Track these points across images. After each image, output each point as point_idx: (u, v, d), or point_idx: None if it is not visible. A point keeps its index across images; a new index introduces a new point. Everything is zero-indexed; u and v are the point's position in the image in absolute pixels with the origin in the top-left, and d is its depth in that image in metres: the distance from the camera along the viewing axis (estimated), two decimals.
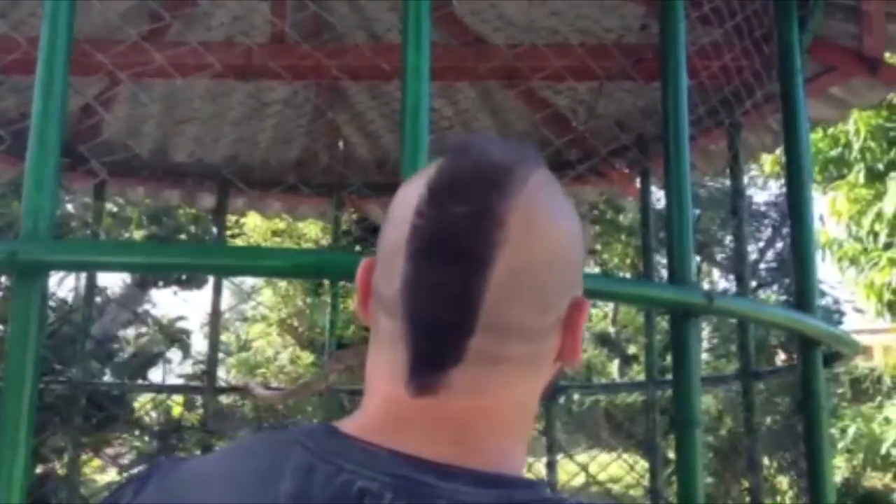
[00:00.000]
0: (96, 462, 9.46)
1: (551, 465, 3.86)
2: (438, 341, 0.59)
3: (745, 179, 14.01)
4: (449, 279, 0.58)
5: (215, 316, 4.15)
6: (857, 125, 6.67)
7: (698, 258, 14.73)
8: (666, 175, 1.92)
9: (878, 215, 6.77)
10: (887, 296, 6.40)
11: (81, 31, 2.97)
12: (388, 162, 4.22)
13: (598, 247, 11.69)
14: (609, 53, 2.37)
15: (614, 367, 12.94)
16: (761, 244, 12.94)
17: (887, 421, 6.35)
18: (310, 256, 1.61)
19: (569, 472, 4.86)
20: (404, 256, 0.59)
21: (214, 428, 8.00)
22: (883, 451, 6.23)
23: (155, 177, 4.21)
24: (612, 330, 12.83)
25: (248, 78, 3.09)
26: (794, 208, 2.33)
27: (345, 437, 0.61)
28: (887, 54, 2.99)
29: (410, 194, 0.61)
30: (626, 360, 11.82)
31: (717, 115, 2.98)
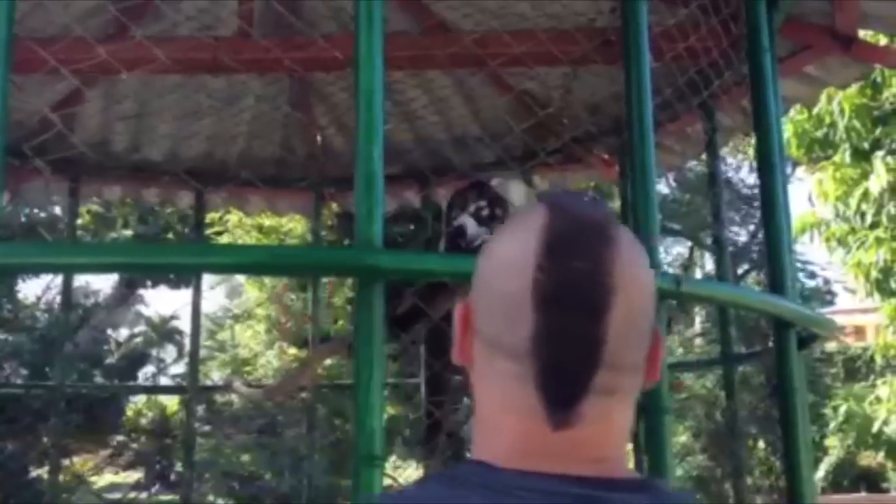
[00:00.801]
0: (89, 463, 9.45)
1: None
2: (571, 380, 0.68)
3: (735, 161, 13.93)
4: (577, 325, 0.67)
5: (196, 315, 4.12)
6: (841, 105, 6.64)
7: (689, 243, 14.72)
8: (630, 159, 1.89)
9: (865, 194, 6.75)
10: (874, 274, 6.39)
11: (43, 30, 2.96)
12: None
13: None
14: (573, 38, 2.34)
15: None
16: (752, 227, 12.94)
17: (878, 400, 6.35)
18: (259, 253, 1.58)
19: None
20: (531, 307, 0.67)
21: (203, 427, 8.00)
22: (875, 429, 6.23)
23: (131, 176, 4.17)
24: None
25: (217, 72, 3.06)
26: (765, 189, 2.31)
27: (507, 471, 0.68)
28: (861, 32, 2.96)
29: (518, 249, 0.69)
30: None
31: (690, 97, 2.96)
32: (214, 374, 10.10)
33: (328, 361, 4.84)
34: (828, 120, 6.85)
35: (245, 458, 8.35)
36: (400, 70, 3.11)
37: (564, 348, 0.67)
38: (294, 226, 8.30)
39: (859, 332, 12.28)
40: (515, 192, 2.43)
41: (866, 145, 6.80)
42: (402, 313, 2.29)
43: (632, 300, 0.69)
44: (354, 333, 1.53)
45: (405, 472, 7.01)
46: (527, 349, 0.67)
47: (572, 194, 0.86)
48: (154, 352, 15.81)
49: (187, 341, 4.36)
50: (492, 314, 0.70)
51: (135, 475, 11.68)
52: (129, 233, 10.56)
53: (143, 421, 12.01)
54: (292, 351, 8.38)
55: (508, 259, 0.70)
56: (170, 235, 9.88)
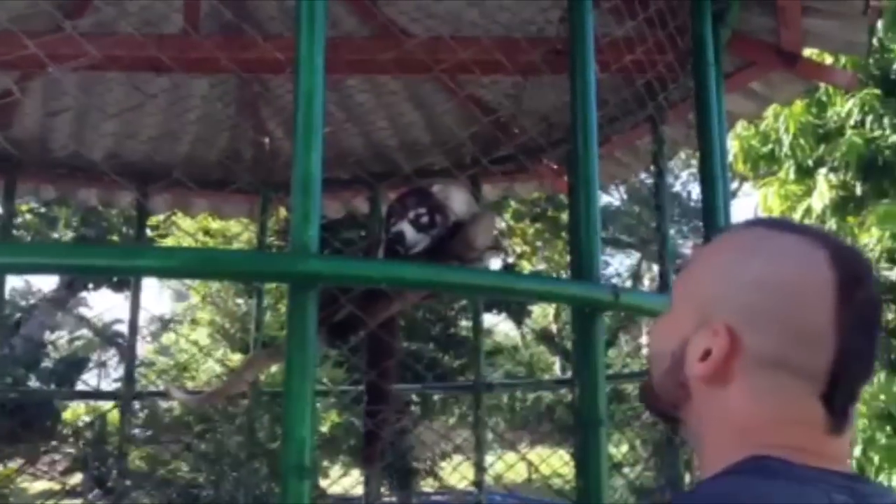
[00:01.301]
0: (22, 468, 9.15)
1: (479, 466, 3.80)
2: (850, 394, 0.79)
3: (685, 175, 14.13)
4: (868, 348, 0.79)
5: (134, 319, 4.01)
6: (786, 122, 6.78)
7: (638, 255, 14.90)
8: (573, 169, 1.88)
9: (808, 210, 6.88)
10: None
11: None
12: None
13: (539, 244, 11.73)
14: (520, 46, 2.32)
15: (557, 363, 13.01)
16: (701, 240, 13.14)
17: None
18: (188, 257, 1.53)
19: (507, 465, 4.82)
20: (834, 334, 0.76)
21: (143, 432, 7.82)
22: None
23: (69, 175, 4.05)
24: (553, 327, 12.90)
25: (160, 71, 2.98)
26: (707, 203, 2.33)
27: (800, 466, 0.75)
28: (805, 50, 3.00)
29: (810, 281, 0.78)
30: (567, 357, 11.88)
31: (638, 109, 2.97)
32: (157, 379, 9.90)
33: (273, 368, 4.76)
34: (773, 136, 6.98)
35: (183, 465, 8.18)
36: (346, 73, 3.07)
37: (857, 368, 0.78)
38: (242, 229, 8.18)
39: None
40: (457, 199, 2.40)
41: (810, 162, 6.94)
42: (339, 321, 2.24)
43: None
44: (287, 340, 1.49)
45: (349, 480, 6.93)
46: (825, 371, 0.76)
47: (795, 222, 0.95)
48: (95, 356, 15.45)
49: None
50: (781, 338, 0.77)
51: (72, 481, 11.37)
52: (71, 234, 10.30)
53: (81, 426, 11.71)
54: (236, 356, 8.25)
55: (800, 288, 0.78)
56: (114, 237, 9.67)
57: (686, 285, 0.88)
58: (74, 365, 12.61)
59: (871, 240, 6.32)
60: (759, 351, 0.78)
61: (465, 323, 10.68)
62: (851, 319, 0.77)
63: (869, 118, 6.49)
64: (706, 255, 0.90)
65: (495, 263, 2.59)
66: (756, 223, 0.88)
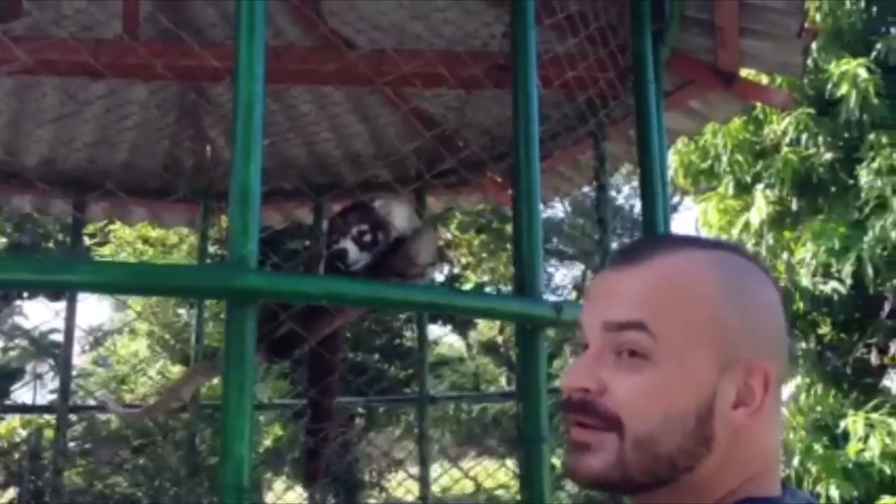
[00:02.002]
0: None
1: (424, 480, 3.79)
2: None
3: (628, 188, 14.33)
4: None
5: (69, 330, 3.89)
6: (724, 139, 6.93)
7: (582, 266, 15.06)
8: (515, 185, 1.88)
9: (746, 226, 7.05)
10: None
11: None
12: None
13: (485, 255, 11.77)
14: (463, 60, 2.33)
15: (503, 375, 13.05)
16: None
17: None
18: (120, 272, 1.49)
19: (453, 479, 4.82)
20: (786, 342, 0.83)
21: (80, 445, 7.60)
22: None
23: (3, 181, 3.92)
24: (499, 339, 12.94)
25: (96, 76, 2.91)
26: (647, 218, 2.36)
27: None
28: (742, 70, 3.07)
29: (775, 301, 0.82)
30: (512, 368, 11.94)
31: (580, 125, 3.00)
32: (95, 391, 9.64)
33: (215, 381, 4.67)
34: (712, 152, 7.13)
35: (121, 479, 7.98)
36: (289, 83, 3.04)
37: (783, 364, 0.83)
38: (182, 240, 8.03)
39: None
40: (399, 214, 2.39)
41: (748, 178, 7.11)
42: (279, 337, 2.21)
43: None
44: (224, 357, 1.46)
45: (292, 494, 6.84)
46: (785, 373, 0.81)
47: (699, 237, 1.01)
48: (30, 367, 15.00)
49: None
50: (783, 358, 0.81)
51: (6, 496, 11.00)
52: (4, 240, 9.98)
53: (17, 439, 11.36)
54: (176, 368, 8.08)
55: (777, 311, 0.82)
56: (50, 244, 9.40)
57: (681, 331, 0.75)
58: (7, 376, 12.22)
59: (806, 254, 6.49)
60: (778, 374, 0.79)
61: (410, 334, 10.65)
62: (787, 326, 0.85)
63: (804, 136, 6.68)
64: (679, 296, 0.77)
65: (439, 276, 2.58)
66: (733, 250, 0.84)
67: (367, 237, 2.29)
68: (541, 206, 1.93)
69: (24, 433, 11.53)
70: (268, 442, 8.18)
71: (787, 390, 7.01)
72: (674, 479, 0.74)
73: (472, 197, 4.36)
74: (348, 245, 2.27)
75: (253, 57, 1.56)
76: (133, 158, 4.03)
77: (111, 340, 11.58)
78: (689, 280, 0.77)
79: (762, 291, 0.81)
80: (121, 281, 1.43)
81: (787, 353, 0.83)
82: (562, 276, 15.90)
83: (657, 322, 0.74)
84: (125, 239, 7.91)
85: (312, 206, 4.22)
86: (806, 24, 2.64)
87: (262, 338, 1.51)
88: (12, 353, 14.74)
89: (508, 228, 11.16)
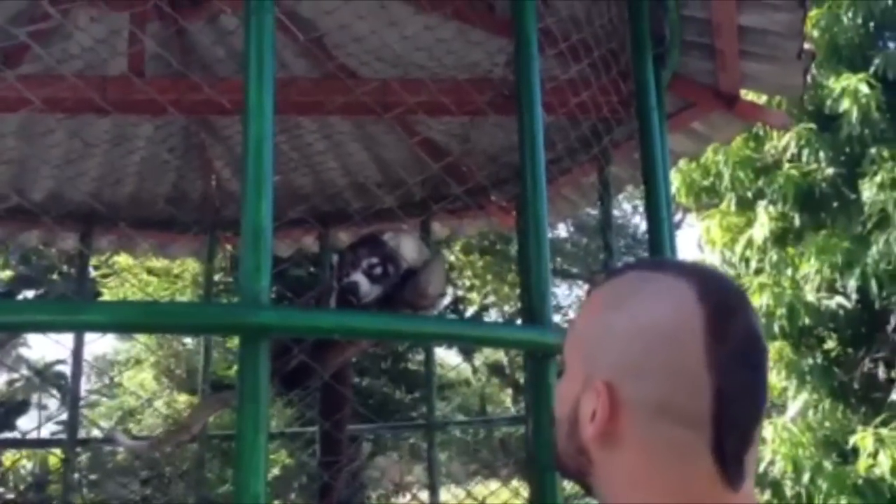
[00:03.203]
0: None
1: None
2: (743, 439, 0.72)
3: (630, 207, 14.36)
4: (752, 386, 0.73)
5: (77, 363, 3.90)
6: (726, 156, 6.96)
7: (586, 286, 15.04)
8: (522, 212, 1.90)
9: (749, 242, 7.06)
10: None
11: None
12: None
13: (489, 277, 11.77)
14: (466, 90, 2.36)
15: (508, 396, 13.00)
16: None
17: (763, 440, 6.57)
18: (134, 311, 1.50)
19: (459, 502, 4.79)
20: (709, 374, 0.71)
21: (87, 476, 7.57)
22: (760, 469, 6.43)
23: (9, 217, 3.94)
24: (504, 360, 12.91)
25: (103, 113, 2.94)
26: (653, 239, 2.38)
27: None
28: (743, 91, 3.10)
29: (677, 319, 0.73)
30: (519, 390, 11.90)
31: (585, 148, 3.02)
32: (102, 422, 9.61)
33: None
34: (714, 170, 7.15)
35: None
36: (295, 114, 3.07)
37: (741, 411, 0.72)
38: (186, 268, 8.03)
39: None
40: (408, 247, 2.41)
41: (750, 195, 7.12)
42: (292, 370, 2.22)
43: (767, 349, 0.78)
44: (238, 393, 1.46)
45: None
46: (707, 415, 0.71)
47: (667, 259, 0.93)
48: (36, 398, 14.94)
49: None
50: (659, 384, 0.72)
51: None
52: (8, 273, 10.01)
53: (23, 472, 11.31)
54: (182, 398, 8.06)
55: (669, 330, 0.73)
56: (54, 276, 9.41)
57: (571, 342, 0.83)
58: (14, 409, 12.19)
59: (810, 270, 6.49)
60: (641, 401, 0.73)
61: (416, 357, 10.63)
62: (728, 356, 0.72)
63: (805, 152, 6.70)
64: (586, 308, 0.84)
65: (445, 299, 2.59)
66: (632, 267, 0.84)
67: (378, 270, 2.30)
68: (547, 233, 1.95)
69: (28, 465, 11.50)
70: (276, 470, 8.14)
71: (795, 406, 6.98)
72: (586, 478, 0.79)
73: (477, 222, 4.37)
74: (359, 278, 2.29)
75: (262, 96, 1.58)
76: (139, 191, 4.06)
77: (117, 370, 11.57)
78: (588, 302, 0.85)
79: (638, 315, 0.75)
80: (134, 320, 1.44)
81: (686, 381, 0.72)
82: (564, 295, 15.88)
83: (567, 338, 0.84)
84: (129, 270, 7.92)
85: (318, 235, 4.24)
86: (805, 46, 2.67)
87: (273, 372, 1.51)
88: (17, 385, 14.70)
89: (512, 250, 11.17)
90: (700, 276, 0.77)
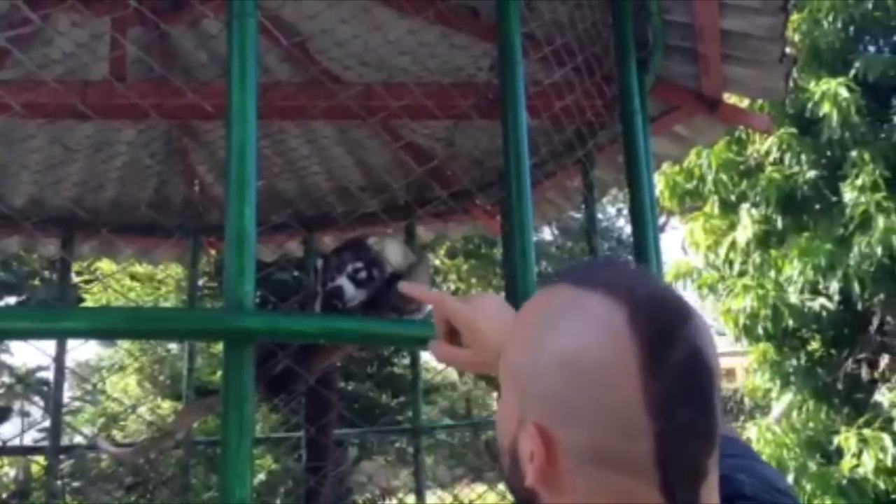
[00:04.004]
0: None
1: None
2: (693, 477, 0.65)
3: (614, 210, 14.40)
4: (697, 423, 0.64)
5: (59, 370, 3.87)
6: (709, 159, 7.00)
7: None
8: (507, 215, 1.90)
9: (732, 244, 7.10)
10: (742, 320, 6.69)
11: None
12: None
13: (474, 280, 11.78)
14: (450, 94, 2.36)
15: (494, 400, 13.00)
16: None
17: (748, 441, 6.60)
18: (116, 317, 1.48)
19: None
20: (647, 416, 0.62)
21: (70, 483, 7.50)
22: None
23: None
24: None
25: (85, 118, 2.92)
26: (637, 242, 2.39)
27: None
28: (725, 95, 3.12)
29: (606, 353, 0.64)
30: None
31: (569, 152, 3.03)
32: (85, 428, 9.53)
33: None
34: (697, 173, 7.19)
35: None
36: (279, 119, 3.06)
37: (689, 449, 0.64)
38: (169, 273, 7.98)
39: (730, 374, 12.84)
40: (393, 251, 2.41)
41: (733, 197, 7.17)
42: (277, 375, 2.21)
43: (719, 372, 0.67)
44: (223, 398, 1.46)
45: None
46: (650, 461, 0.63)
47: (605, 267, 0.75)
48: (18, 405, 14.81)
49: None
50: (593, 431, 0.64)
51: None
52: None
53: (6, 479, 11.21)
54: (166, 404, 8.01)
55: (599, 367, 0.64)
56: (36, 282, 9.33)
57: (504, 367, 0.74)
58: None
59: (794, 272, 6.53)
60: (576, 449, 0.65)
61: (402, 361, 10.62)
62: (667, 392, 0.63)
63: (787, 155, 6.75)
64: (516, 329, 0.74)
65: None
66: (565, 278, 0.73)
67: (363, 274, 2.30)
68: (532, 237, 1.95)
69: (11, 472, 11.39)
70: (262, 475, 8.11)
71: (779, 408, 7.02)
72: None
73: (462, 226, 4.38)
74: (344, 283, 2.29)
75: (245, 101, 1.57)
76: (121, 197, 4.03)
77: (100, 375, 11.48)
78: (519, 320, 0.75)
79: (566, 348, 0.66)
80: (117, 326, 1.43)
81: (623, 426, 0.63)
82: None
83: (501, 362, 0.75)
84: (112, 276, 7.85)
85: (303, 239, 4.23)
86: (787, 50, 2.69)
87: (258, 377, 1.50)
88: None
89: (497, 253, 11.18)
90: (634, 295, 0.67)
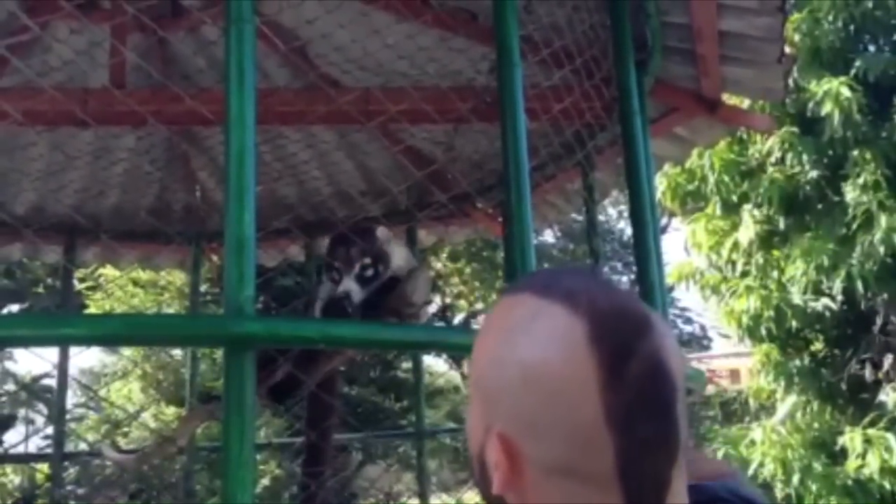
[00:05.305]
0: None
1: None
2: (657, 487, 0.65)
3: (616, 211, 14.39)
4: (658, 436, 0.65)
5: (63, 377, 3.87)
6: (711, 160, 6.99)
7: None
8: (508, 218, 1.90)
9: (735, 245, 7.09)
10: (746, 321, 6.68)
11: None
12: None
13: (477, 284, 11.77)
14: (449, 98, 2.36)
15: None
16: (633, 275, 13.39)
17: (753, 443, 6.59)
18: (116, 323, 1.49)
19: None
20: (608, 430, 0.63)
21: (75, 490, 7.50)
22: (751, 472, 6.45)
23: None
24: None
25: (85, 125, 2.93)
26: (638, 243, 2.39)
27: None
28: (725, 95, 3.12)
29: (565, 368, 0.64)
30: None
31: (569, 154, 3.03)
32: (89, 435, 9.53)
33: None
34: (699, 174, 7.19)
35: None
36: (278, 125, 3.07)
37: (652, 461, 0.65)
38: (172, 279, 7.99)
39: (734, 375, 12.81)
40: (397, 254, 2.40)
41: (735, 198, 7.16)
42: (279, 382, 2.20)
43: (681, 382, 0.67)
44: (224, 405, 1.45)
45: None
46: (612, 474, 0.64)
47: (566, 276, 0.74)
48: (22, 412, 14.81)
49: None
50: (557, 444, 0.65)
51: None
52: None
53: (10, 487, 11.21)
54: (170, 410, 8.01)
55: (559, 381, 0.65)
56: (39, 289, 9.34)
57: (472, 375, 0.75)
58: (1, 423, 12.10)
59: (796, 272, 6.52)
60: (540, 461, 0.66)
61: (405, 365, 10.62)
62: (627, 405, 0.64)
63: (789, 155, 6.75)
64: (481, 337, 0.75)
65: (432, 307, 2.58)
66: (526, 288, 0.73)
67: (370, 272, 2.29)
68: (532, 239, 1.95)
69: (16, 480, 11.40)
70: (265, 481, 8.10)
71: (784, 409, 7.01)
72: None
73: (463, 229, 4.38)
74: (352, 286, 2.27)
75: (244, 106, 1.57)
76: (122, 203, 4.04)
77: (103, 382, 11.48)
78: (484, 327, 0.76)
79: (528, 360, 0.66)
80: (118, 333, 1.43)
81: (584, 440, 0.64)
82: None
83: (470, 369, 0.76)
84: (115, 283, 7.87)
85: (304, 244, 4.23)
86: (786, 50, 2.69)
87: (259, 383, 1.50)
88: (3, 399, 14.58)
89: (499, 256, 11.18)
90: (594, 308, 0.67)
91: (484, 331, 0.75)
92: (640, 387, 0.64)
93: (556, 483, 0.65)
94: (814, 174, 6.74)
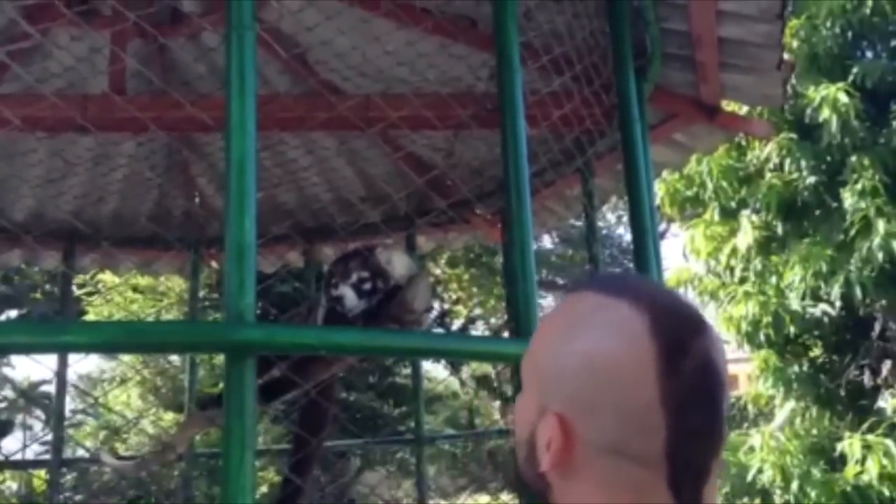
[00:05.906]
0: None
1: None
2: (699, 474, 0.72)
3: (614, 217, 14.40)
4: (707, 425, 0.71)
5: (61, 384, 3.86)
6: (709, 166, 7.00)
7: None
8: (507, 224, 1.90)
9: (733, 251, 7.10)
10: (744, 327, 6.68)
11: None
12: None
13: (475, 289, 11.77)
14: (449, 104, 2.36)
15: (495, 408, 12.98)
16: None
17: (752, 449, 6.58)
18: (116, 330, 1.48)
19: None
20: (663, 414, 0.69)
21: (73, 497, 7.49)
22: (749, 478, 6.44)
23: None
24: (492, 373, 12.90)
25: (85, 131, 2.93)
26: (638, 250, 2.39)
27: None
28: (724, 102, 3.12)
29: (628, 355, 0.71)
30: (506, 402, 11.89)
31: (569, 161, 3.04)
32: (87, 442, 9.52)
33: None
34: (697, 180, 7.20)
35: None
36: (276, 131, 3.07)
37: (697, 448, 0.71)
38: (171, 284, 7.98)
39: (733, 381, 12.81)
40: (398, 263, 2.41)
41: (733, 204, 7.17)
42: (269, 381, 2.20)
43: (727, 382, 0.74)
44: (224, 411, 1.45)
45: None
46: (661, 455, 0.70)
47: (629, 277, 0.84)
48: (20, 418, 14.78)
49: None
50: (612, 424, 0.71)
51: None
52: None
53: (8, 493, 11.18)
54: (169, 416, 7.99)
55: (620, 367, 0.71)
56: (37, 296, 9.33)
57: (528, 365, 0.81)
58: None
59: (795, 278, 6.53)
60: (594, 439, 0.72)
61: (404, 371, 10.61)
62: (680, 393, 0.70)
63: (787, 161, 6.76)
64: (542, 331, 0.82)
65: (432, 313, 2.58)
66: (591, 286, 0.80)
67: (367, 285, 2.30)
68: (532, 247, 1.95)
69: (14, 486, 11.37)
70: (264, 488, 8.08)
71: (782, 415, 7.00)
72: (547, 499, 0.78)
73: (463, 235, 4.38)
74: (346, 291, 2.29)
75: (244, 113, 1.57)
76: (122, 209, 4.04)
77: (102, 388, 11.46)
78: (545, 322, 0.83)
79: (590, 348, 0.73)
80: (117, 340, 1.43)
81: (639, 421, 0.70)
82: (551, 307, 15.84)
83: (525, 359, 0.82)
84: (114, 289, 7.85)
85: (303, 250, 4.23)
86: (785, 56, 2.69)
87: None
88: (1, 405, 14.55)
89: (498, 262, 11.18)
90: (656, 305, 0.74)
91: (545, 325, 0.82)
92: (693, 379, 0.71)
93: (606, 461, 0.72)
94: (812, 180, 6.75)
